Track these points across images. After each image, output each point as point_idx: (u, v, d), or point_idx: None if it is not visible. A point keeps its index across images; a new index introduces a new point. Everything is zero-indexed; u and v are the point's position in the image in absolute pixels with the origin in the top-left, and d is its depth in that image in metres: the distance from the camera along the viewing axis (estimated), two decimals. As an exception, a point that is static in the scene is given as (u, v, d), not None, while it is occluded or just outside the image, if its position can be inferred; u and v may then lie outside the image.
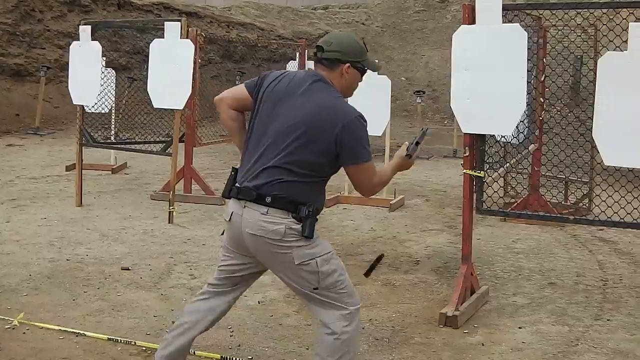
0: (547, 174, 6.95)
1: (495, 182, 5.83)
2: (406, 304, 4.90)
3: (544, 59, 6.86)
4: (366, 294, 5.09)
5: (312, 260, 3.10)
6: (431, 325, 4.49)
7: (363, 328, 4.42)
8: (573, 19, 7.13)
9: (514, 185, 7.26)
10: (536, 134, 6.80)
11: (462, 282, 4.58)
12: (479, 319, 4.61)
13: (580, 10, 4.67)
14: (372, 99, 7.28)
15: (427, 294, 5.10)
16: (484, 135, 4.49)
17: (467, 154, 4.48)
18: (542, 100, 6.78)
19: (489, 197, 5.04)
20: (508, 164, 5.72)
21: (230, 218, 3.16)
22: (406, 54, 19.47)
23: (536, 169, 6.87)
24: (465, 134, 4.49)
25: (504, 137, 6.13)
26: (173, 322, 3.78)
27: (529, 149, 6.57)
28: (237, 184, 3.18)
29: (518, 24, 4.38)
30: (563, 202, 7.27)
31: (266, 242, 3.07)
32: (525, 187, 6.99)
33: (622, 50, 4.17)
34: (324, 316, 3.19)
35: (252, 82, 3.28)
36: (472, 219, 4.65)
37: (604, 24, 6.51)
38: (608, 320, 4.58)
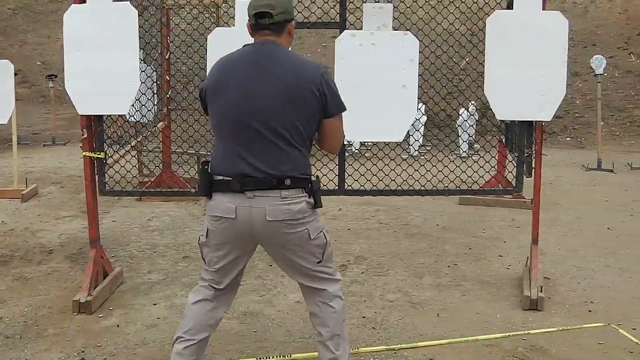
0: (178, 150, 7.15)
1: (128, 162, 5.86)
2: (39, 296, 4.69)
3: (168, 37, 7.00)
4: (-4, 291, 4.78)
5: (321, 233, 3.12)
6: (66, 314, 4.37)
7: (-7, 328, 4.16)
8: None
9: (146, 164, 7.31)
10: (164, 111, 6.93)
11: (92, 266, 4.51)
12: (114, 301, 4.60)
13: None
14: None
15: (62, 283, 4.94)
16: (101, 116, 4.42)
17: (85, 136, 4.38)
18: (168, 78, 6.92)
19: (122, 177, 5.02)
20: (135, 142, 5.74)
21: (235, 214, 2.97)
22: (41, 37, 18.31)
23: (166, 146, 7.00)
24: (81, 115, 4.39)
25: (133, 116, 6.16)
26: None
27: (158, 126, 6.68)
28: (222, 177, 3.00)
29: (128, 2, 4.37)
30: (196, 177, 7.53)
31: (287, 224, 2.99)
32: (158, 165, 7.11)
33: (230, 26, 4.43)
34: (321, 294, 3.19)
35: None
36: (96, 201, 4.59)
37: (225, 2, 6.88)
38: (241, 285, 4.86)
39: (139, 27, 6.36)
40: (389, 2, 4.33)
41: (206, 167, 3.09)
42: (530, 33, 4.31)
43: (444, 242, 5.93)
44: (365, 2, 4.29)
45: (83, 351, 3.85)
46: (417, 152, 9.84)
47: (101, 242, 5.45)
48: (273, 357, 3.72)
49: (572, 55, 14.15)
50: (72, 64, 4.33)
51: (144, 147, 7.59)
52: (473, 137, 10.50)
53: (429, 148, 9.92)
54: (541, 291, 4.50)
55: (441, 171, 4.89)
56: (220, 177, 3.03)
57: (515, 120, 4.65)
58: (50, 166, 9.12)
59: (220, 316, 3.30)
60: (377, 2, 4.32)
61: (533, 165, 4.59)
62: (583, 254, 5.66)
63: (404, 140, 4.84)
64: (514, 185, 4.62)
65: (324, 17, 4.58)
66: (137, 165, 7.31)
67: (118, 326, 4.19)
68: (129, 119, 6.45)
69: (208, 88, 3.14)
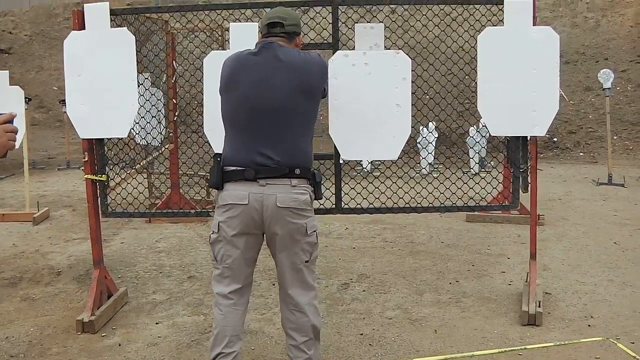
0: (188, 172, 7.25)
1: (140, 184, 5.95)
2: (45, 317, 4.78)
3: (174, 62, 7.12)
4: (4, 311, 4.90)
5: (315, 232, 3.36)
6: (69, 333, 4.46)
7: (-3, 347, 4.25)
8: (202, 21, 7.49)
9: (157, 186, 7.43)
10: (172, 133, 7.05)
11: (95, 286, 4.60)
12: (117, 320, 4.67)
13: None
14: (5, 111, 6.92)
15: (67, 304, 5.03)
16: (102, 139, 4.52)
17: (86, 159, 4.49)
18: (175, 102, 7.03)
19: (135, 199, 5.08)
20: (143, 164, 5.84)
21: (248, 201, 3.19)
22: (57, 62, 18.63)
23: (174, 167, 7.10)
24: (83, 139, 4.49)
25: (144, 138, 6.27)
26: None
27: (167, 147, 6.79)
28: (236, 167, 3.22)
29: (126, 28, 4.49)
30: (206, 198, 7.63)
31: (293, 213, 3.23)
32: (168, 186, 7.22)
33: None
34: (300, 297, 3.36)
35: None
36: (99, 223, 4.68)
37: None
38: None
39: (149, 51, 6.58)
40: (380, 22, 4.39)
41: (218, 159, 3.30)
42: (521, 49, 4.36)
43: (447, 259, 5.94)
44: (356, 23, 4.36)
45: (83, 370, 3.93)
46: (427, 171, 9.88)
47: (109, 263, 5.59)
48: (268, 374, 3.76)
49: (584, 69, 14.21)
50: (72, 88, 4.44)
51: (154, 170, 7.71)
52: (484, 155, 10.50)
53: (439, 166, 9.95)
54: (539, 306, 4.50)
55: (449, 188, 4.91)
56: (234, 168, 3.24)
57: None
58: (63, 190, 9.28)
59: (244, 319, 3.50)
60: (369, 22, 4.38)
61: (529, 181, 4.61)
62: (586, 268, 5.65)
63: (412, 158, 4.89)
64: (511, 201, 4.63)
65: (316, 38, 4.65)
66: (148, 187, 7.43)
67: (120, 345, 4.27)
68: (139, 142, 6.59)
69: (221, 83, 3.37)
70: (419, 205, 4.67)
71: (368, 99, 4.34)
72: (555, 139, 13.10)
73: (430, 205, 4.66)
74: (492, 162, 9.78)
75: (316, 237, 3.39)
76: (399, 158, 4.44)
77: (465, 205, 4.69)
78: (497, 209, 4.74)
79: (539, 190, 8.78)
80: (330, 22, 4.47)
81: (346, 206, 4.65)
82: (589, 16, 15.70)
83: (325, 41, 4.55)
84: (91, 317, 4.46)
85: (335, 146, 4.42)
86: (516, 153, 4.53)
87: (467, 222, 7.32)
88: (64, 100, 10.58)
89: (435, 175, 7.71)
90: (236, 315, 3.40)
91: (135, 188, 5.73)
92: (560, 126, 13.26)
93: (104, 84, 4.39)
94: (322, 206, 4.64)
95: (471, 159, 10.11)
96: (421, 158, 10.21)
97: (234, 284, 3.37)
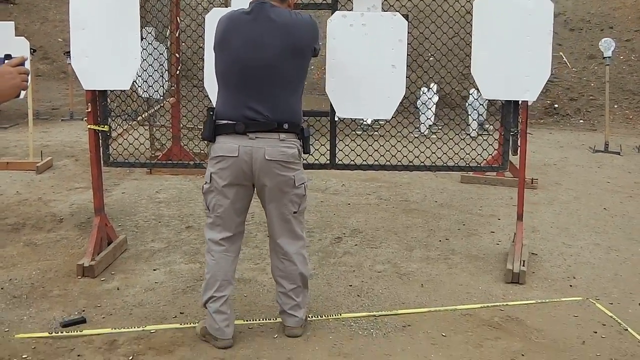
0: (189, 125, 7.37)
1: (141, 135, 6.07)
2: (47, 261, 4.96)
3: (178, 17, 7.20)
4: (7, 255, 5.06)
5: (303, 184, 3.55)
6: (70, 277, 4.63)
7: (2, 288, 4.43)
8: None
9: (158, 137, 7.57)
10: (174, 87, 7.16)
11: (96, 233, 4.76)
12: (116, 266, 4.85)
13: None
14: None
15: (69, 249, 5.20)
16: (105, 91, 4.64)
17: (89, 110, 4.62)
18: (178, 56, 7.13)
19: (136, 149, 5.21)
20: (144, 116, 5.97)
21: (238, 153, 3.34)
22: (62, 14, 18.58)
23: (175, 120, 7.23)
24: (86, 90, 4.61)
25: (146, 91, 6.39)
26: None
27: (168, 101, 6.91)
28: (227, 121, 3.38)
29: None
30: (206, 151, 7.74)
31: (280, 166, 3.41)
32: (169, 139, 7.37)
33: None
34: (289, 246, 3.59)
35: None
36: (101, 172, 4.83)
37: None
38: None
39: (153, 5, 6.65)
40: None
41: (211, 113, 3.46)
42: (516, 15, 4.44)
43: (439, 218, 6.10)
44: (356, -16, 4.45)
45: (83, 310, 4.11)
46: (427, 131, 9.99)
47: (110, 212, 5.76)
48: (259, 320, 3.94)
49: (588, 37, 14.22)
50: (77, 41, 4.54)
51: (156, 122, 7.84)
52: (484, 116, 10.59)
53: (440, 127, 10.06)
54: (524, 265, 4.66)
55: (440, 149, 5.04)
56: (225, 121, 3.40)
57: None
58: (66, 140, 9.41)
59: (235, 266, 3.68)
60: (368, -16, 4.46)
61: (519, 144, 4.73)
62: (574, 232, 5.80)
63: (412, 121, 5.00)
64: (500, 162, 4.76)
65: (316, -3, 4.75)
66: (149, 139, 7.56)
67: (118, 289, 4.45)
68: (142, 95, 6.70)
69: (215, 42, 3.52)
70: (410, 163, 4.81)
71: (364, 59, 4.45)
72: (556, 106, 13.17)
73: (422, 164, 4.79)
74: (492, 125, 9.90)
75: (304, 189, 3.57)
76: (394, 118, 4.57)
77: (456, 165, 4.83)
78: (487, 170, 4.88)
79: (534, 155, 8.99)
80: (330, -18, 4.56)
81: (340, 162, 4.78)
82: (597, -17, 15.60)
83: (324, 1, 4.63)
84: (91, 262, 4.63)
85: (331, 104, 4.54)
86: (507, 117, 4.65)
87: (462, 184, 7.46)
88: (69, 52, 10.67)
89: (434, 137, 7.84)
90: (227, 261, 3.58)
91: (136, 139, 5.88)
92: (562, 93, 13.32)
93: (107, 37, 4.49)
94: (316, 161, 4.79)
95: (472, 122, 10.20)
96: (422, 119, 10.30)
97: (225, 232, 3.56)
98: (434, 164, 4.81)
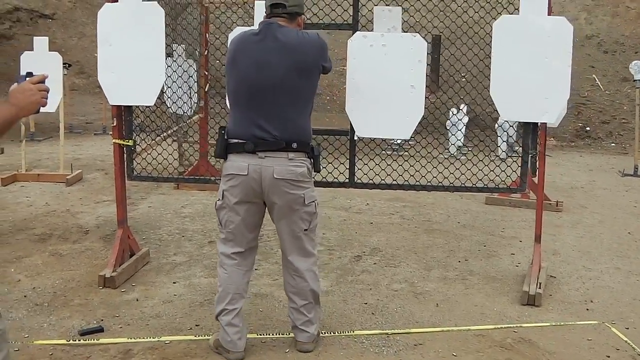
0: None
1: (175, 151, 6.20)
2: (71, 271, 5.08)
3: (207, 35, 7.35)
4: (32, 264, 5.20)
5: (313, 202, 3.61)
6: (92, 287, 4.74)
7: (25, 296, 4.55)
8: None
9: (188, 155, 7.71)
10: (201, 104, 7.30)
11: (118, 244, 4.88)
12: (137, 278, 4.95)
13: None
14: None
15: (92, 260, 5.32)
16: (131, 106, 4.77)
17: (115, 124, 4.74)
18: (206, 73, 7.27)
19: (148, 164, 5.30)
20: (171, 131, 6.09)
21: (247, 172, 3.43)
22: (99, 29, 19.03)
23: (203, 137, 7.36)
24: (112, 105, 4.74)
25: (178, 106, 6.54)
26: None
27: (194, 119, 7.04)
28: (237, 140, 3.45)
29: (156, 1, 4.71)
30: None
31: (289, 184, 3.47)
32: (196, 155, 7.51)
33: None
34: (299, 263, 3.63)
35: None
36: (125, 185, 4.94)
37: None
38: (256, 269, 5.16)
39: (188, 23, 6.80)
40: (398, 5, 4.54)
41: (223, 132, 3.55)
42: (535, 37, 4.47)
43: (460, 239, 6.11)
44: (376, 6, 4.52)
45: (102, 320, 4.20)
46: (457, 152, 9.99)
47: (135, 225, 5.89)
48: (272, 334, 4.00)
49: (622, 60, 14.11)
50: (104, 57, 4.69)
51: (185, 139, 7.98)
52: (514, 138, 10.55)
53: (470, 149, 10.05)
54: (540, 287, 4.65)
55: (458, 169, 5.06)
56: (236, 140, 3.48)
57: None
58: (97, 154, 9.62)
59: (247, 279, 3.75)
60: (388, 5, 4.54)
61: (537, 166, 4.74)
62: (595, 255, 5.76)
63: (446, 140, 5.04)
64: (519, 184, 4.77)
65: (337, 19, 4.82)
66: (178, 155, 7.71)
67: (137, 300, 4.54)
68: (173, 110, 6.86)
69: (226, 62, 3.62)
70: (429, 183, 4.84)
71: (384, 79, 4.51)
72: (587, 128, 13.08)
73: (440, 184, 4.82)
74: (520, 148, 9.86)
75: (315, 207, 3.62)
76: (424, 139, 4.61)
77: (474, 186, 4.84)
78: (504, 192, 4.87)
79: (562, 178, 8.94)
80: (351, 3, 4.63)
81: (359, 181, 4.83)
82: (632, 6, 15.51)
83: (345, 22, 4.71)
84: (112, 273, 4.73)
85: (350, 123, 4.61)
86: (526, 139, 4.66)
87: (486, 205, 7.45)
88: None
89: (462, 158, 7.84)
90: (239, 274, 3.65)
91: (160, 154, 5.98)
92: (594, 115, 13.24)
93: (133, 54, 4.62)
94: (336, 180, 4.85)
95: (501, 144, 10.18)
96: (452, 140, 10.30)
97: (237, 247, 3.65)
98: (451, 184, 4.83)
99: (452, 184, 4.84)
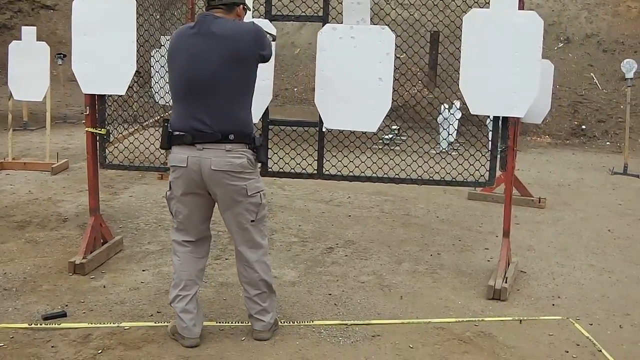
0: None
1: (136, 139, 6.18)
2: (44, 257, 5.13)
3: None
4: (7, 250, 5.25)
5: (258, 193, 3.61)
6: (62, 274, 4.79)
7: (-5, 282, 4.61)
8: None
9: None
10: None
11: (89, 232, 4.92)
12: (108, 265, 4.99)
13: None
14: (32, 66, 7.29)
15: (67, 248, 5.36)
16: (104, 95, 4.80)
17: (87, 113, 4.78)
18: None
19: (121, 152, 5.34)
20: (146, 122, 6.11)
21: (187, 163, 3.46)
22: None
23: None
24: (86, 94, 4.78)
25: (162, 97, 6.54)
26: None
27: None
28: (178, 132, 3.49)
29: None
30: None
31: (229, 176, 3.48)
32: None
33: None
34: (249, 255, 3.67)
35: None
36: (97, 174, 4.98)
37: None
38: (226, 259, 5.20)
39: (172, 14, 6.82)
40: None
41: (166, 124, 3.58)
42: (505, 32, 4.47)
43: (436, 233, 6.12)
44: (344, -2, 4.53)
45: (67, 305, 4.25)
46: (448, 147, 9.96)
47: (114, 214, 5.96)
48: (232, 323, 4.02)
49: (621, 59, 14.04)
50: (78, 47, 4.72)
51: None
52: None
53: (462, 144, 10.02)
54: (506, 282, 4.66)
55: (438, 163, 5.07)
56: (177, 133, 3.52)
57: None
58: (88, 143, 9.64)
59: (202, 266, 3.79)
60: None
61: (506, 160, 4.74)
62: (571, 252, 5.76)
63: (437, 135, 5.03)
64: (487, 178, 4.77)
65: (308, 11, 4.84)
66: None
67: (104, 287, 4.58)
68: (158, 102, 6.87)
69: (167, 56, 3.67)
70: (396, 175, 4.85)
71: (352, 72, 4.53)
72: (584, 127, 13.03)
73: (408, 177, 4.84)
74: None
75: (260, 197, 3.64)
76: (416, 133, 4.59)
77: (443, 179, 4.85)
78: (471, 185, 4.87)
79: (550, 175, 8.93)
80: (322, -4, 4.66)
81: (327, 172, 4.85)
82: (632, 5, 15.41)
83: (315, 14, 4.72)
84: (82, 260, 4.78)
85: (319, 115, 4.63)
86: (495, 133, 4.66)
87: (469, 200, 7.46)
88: (60, 54, 10.82)
89: (454, 153, 7.83)
90: (192, 261, 3.70)
91: (134, 143, 5.99)
92: (590, 114, 13.18)
93: (106, 44, 4.65)
94: (304, 171, 4.87)
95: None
96: (444, 135, 10.27)
97: (188, 236, 3.71)
98: (419, 177, 4.85)
99: (420, 177, 4.85)
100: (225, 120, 3.49)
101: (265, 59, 3.65)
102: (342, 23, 4.56)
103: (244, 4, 3.70)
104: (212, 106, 3.49)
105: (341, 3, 4.60)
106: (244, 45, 3.52)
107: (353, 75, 4.52)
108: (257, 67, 3.62)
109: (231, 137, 3.49)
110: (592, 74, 13.99)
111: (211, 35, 3.50)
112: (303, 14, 4.80)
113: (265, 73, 4.55)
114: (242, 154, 3.54)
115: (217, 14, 3.58)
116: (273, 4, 4.69)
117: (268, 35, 3.91)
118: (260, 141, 3.63)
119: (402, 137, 10.34)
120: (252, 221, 3.64)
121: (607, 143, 12.51)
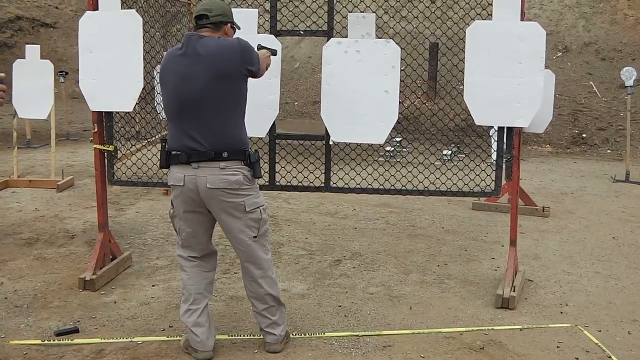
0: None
1: (144, 155, 6.24)
2: (53, 274, 5.15)
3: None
4: (17, 267, 5.27)
5: (258, 209, 3.64)
6: (72, 290, 4.81)
7: (6, 298, 4.63)
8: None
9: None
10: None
11: (98, 248, 4.95)
12: (118, 281, 5.01)
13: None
14: (36, 84, 7.33)
15: (76, 264, 5.39)
16: (111, 112, 4.85)
17: (95, 130, 4.82)
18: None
19: (129, 168, 5.40)
20: (153, 138, 6.16)
21: (183, 182, 3.51)
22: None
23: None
24: (93, 111, 4.82)
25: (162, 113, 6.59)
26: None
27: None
28: (174, 151, 3.54)
29: (134, 10, 4.79)
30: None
31: (225, 193, 3.51)
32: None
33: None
34: (254, 270, 3.69)
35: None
36: (105, 190, 5.02)
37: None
38: (235, 273, 5.22)
39: (178, 31, 6.88)
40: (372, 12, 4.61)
41: (164, 144, 3.64)
42: (508, 43, 4.52)
43: (442, 244, 6.15)
44: (350, 13, 4.59)
45: (78, 321, 4.27)
46: (452, 157, 10.01)
47: (121, 229, 5.98)
48: (243, 336, 4.05)
49: (620, 67, 14.11)
50: (85, 64, 4.78)
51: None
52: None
53: (467, 154, 10.05)
54: (514, 291, 4.69)
55: (445, 174, 5.12)
56: (173, 152, 3.58)
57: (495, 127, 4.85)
58: (91, 161, 9.50)
59: (210, 279, 3.83)
60: (362, 12, 4.60)
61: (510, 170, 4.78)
62: (577, 260, 5.79)
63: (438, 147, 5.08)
64: (493, 188, 4.81)
65: (312, 25, 4.89)
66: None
67: (115, 302, 4.60)
68: (163, 117, 6.91)
69: (159, 78, 3.73)
70: (403, 187, 4.89)
71: (358, 85, 4.58)
72: (584, 135, 13.09)
73: (415, 188, 4.87)
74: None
75: (260, 212, 3.66)
76: (421, 145, 4.59)
77: (449, 190, 4.89)
78: (477, 195, 4.91)
79: (552, 184, 8.97)
80: (327, 11, 4.70)
81: (334, 185, 4.89)
82: (630, 13, 15.52)
83: (320, 29, 4.78)
84: (92, 276, 4.80)
85: (325, 128, 4.67)
86: (500, 143, 4.71)
87: (473, 210, 7.49)
88: (61, 72, 10.88)
89: (437, 163, 7.88)
90: (200, 275, 3.76)
91: (141, 159, 6.05)
92: (590, 122, 13.24)
93: (113, 61, 4.70)
94: (311, 184, 4.91)
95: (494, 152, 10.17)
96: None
97: (192, 252, 3.78)
98: (426, 189, 4.88)
99: (426, 188, 4.89)
100: (217, 138, 3.51)
101: (254, 74, 3.65)
102: (346, 37, 4.61)
103: (232, 22, 3.74)
104: (203, 125, 3.51)
105: (345, 17, 4.66)
106: (228, 61, 3.51)
107: (359, 88, 4.57)
108: (245, 82, 3.62)
109: (225, 154, 3.52)
110: (591, 82, 14.07)
111: (196, 55, 3.52)
112: (308, 28, 4.85)
113: (271, 88, 4.62)
114: (238, 170, 3.56)
115: (203, 33, 3.61)
116: (278, 19, 4.74)
117: (267, 49, 3.96)
118: (256, 157, 3.63)
119: (405, 148, 10.38)
120: (255, 237, 3.66)
121: (608, 151, 12.56)
